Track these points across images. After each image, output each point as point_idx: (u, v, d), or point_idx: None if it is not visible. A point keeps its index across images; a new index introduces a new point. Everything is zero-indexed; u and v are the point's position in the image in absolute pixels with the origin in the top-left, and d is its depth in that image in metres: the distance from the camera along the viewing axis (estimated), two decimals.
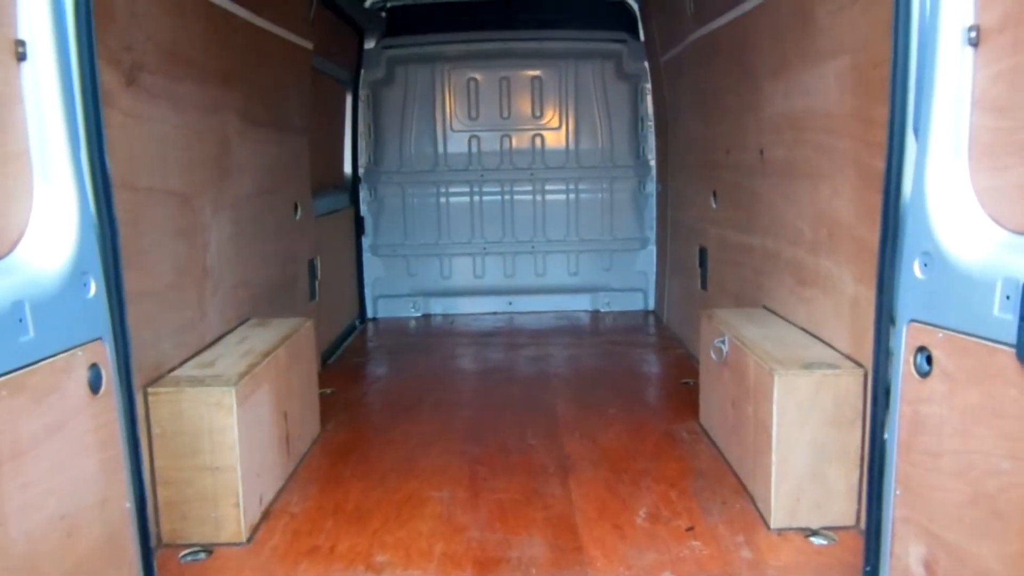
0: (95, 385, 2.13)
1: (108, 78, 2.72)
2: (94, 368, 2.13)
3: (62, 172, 2.08)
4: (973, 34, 2.02)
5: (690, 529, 3.08)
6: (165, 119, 3.23)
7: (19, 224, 1.98)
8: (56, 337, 1.99)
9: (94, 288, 2.15)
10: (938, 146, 2.10)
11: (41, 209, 2.03)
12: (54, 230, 2.04)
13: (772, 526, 3.06)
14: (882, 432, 2.33)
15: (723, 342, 3.69)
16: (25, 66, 2.00)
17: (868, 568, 2.43)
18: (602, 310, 7.28)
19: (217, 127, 3.80)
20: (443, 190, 7.24)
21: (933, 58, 2.09)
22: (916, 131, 2.17)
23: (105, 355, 2.19)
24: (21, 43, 1.98)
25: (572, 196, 7.28)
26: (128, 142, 2.88)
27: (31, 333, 1.88)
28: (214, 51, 3.73)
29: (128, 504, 2.29)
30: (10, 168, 1.97)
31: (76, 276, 2.07)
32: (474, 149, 7.20)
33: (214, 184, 3.74)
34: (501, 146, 7.20)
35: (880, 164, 2.29)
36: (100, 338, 2.17)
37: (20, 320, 1.86)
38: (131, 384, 2.31)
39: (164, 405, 2.96)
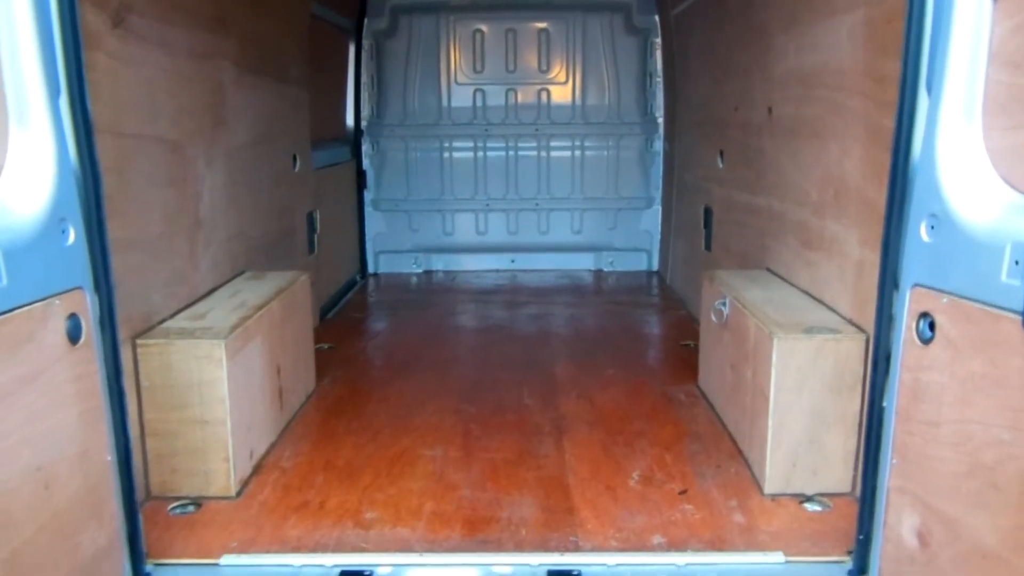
0: (74, 335, 2.08)
1: (93, 19, 2.63)
2: (73, 318, 2.08)
3: (39, 115, 2.01)
4: None
5: (683, 492, 3.04)
6: (155, 63, 3.14)
7: None
8: (31, 285, 1.93)
9: (73, 236, 2.09)
10: (951, 103, 2.00)
11: (16, 153, 1.96)
12: (30, 176, 1.98)
13: (766, 491, 3.02)
14: (881, 399, 2.27)
15: (724, 304, 3.62)
16: None
17: (861, 536, 2.39)
18: (605, 269, 7.21)
19: (210, 74, 3.70)
20: (447, 145, 7.13)
21: (950, 10, 1.99)
22: (929, 88, 2.07)
23: (85, 304, 2.13)
24: None
25: (578, 153, 7.16)
26: (114, 86, 2.80)
27: (4, 280, 1.82)
28: None
29: (110, 456, 2.26)
30: None
31: (53, 223, 2.01)
32: (479, 103, 7.07)
33: (207, 132, 3.66)
34: (506, 100, 7.07)
35: (891, 123, 2.20)
36: (80, 287, 2.12)
37: None
38: (115, 335, 2.26)
39: (153, 357, 2.92)
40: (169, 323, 3.13)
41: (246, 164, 4.16)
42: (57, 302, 2.03)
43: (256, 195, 4.32)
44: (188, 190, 3.45)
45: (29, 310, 1.93)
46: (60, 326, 2.04)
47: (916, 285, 2.11)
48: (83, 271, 2.14)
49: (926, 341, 2.08)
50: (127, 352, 2.81)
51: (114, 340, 2.26)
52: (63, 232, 2.06)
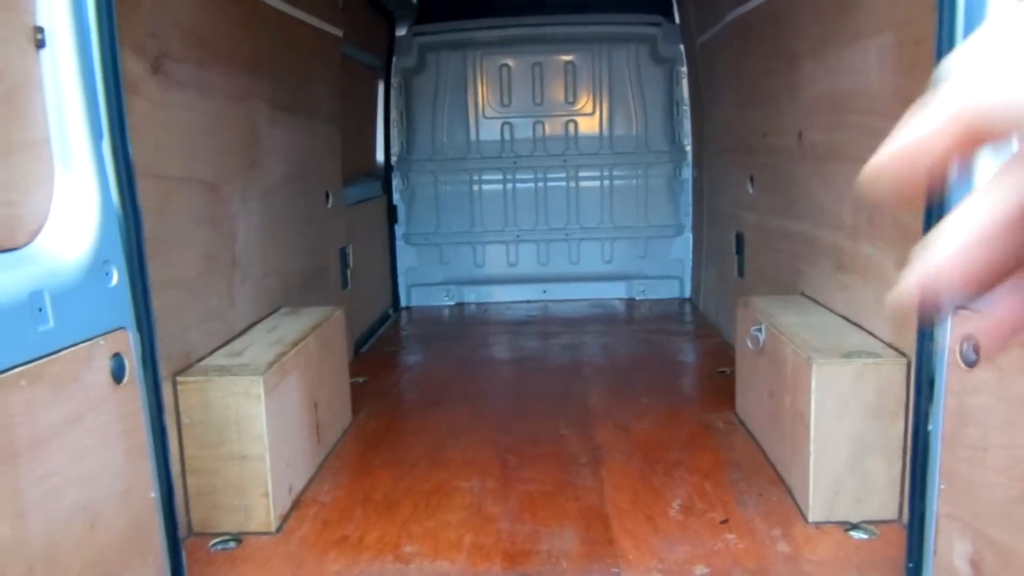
0: (118, 374, 2.12)
1: (133, 65, 2.70)
2: (117, 358, 2.12)
3: (83, 161, 2.06)
4: None
5: (724, 522, 3.00)
6: (192, 107, 3.21)
7: (39, 214, 1.97)
8: (77, 327, 1.97)
9: (116, 277, 2.13)
10: None
11: (61, 198, 2.02)
12: (75, 219, 2.03)
13: (810, 519, 2.97)
14: (926, 424, 2.23)
15: (760, 330, 3.60)
16: (44, 53, 1.98)
17: (911, 564, 2.34)
18: (637, 298, 7.18)
19: (245, 115, 3.78)
20: (475, 178, 7.19)
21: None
22: None
23: (128, 344, 2.17)
24: (40, 30, 1.96)
25: (606, 183, 7.18)
26: (154, 130, 2.87)
27: (51, 323, 1.87)
28: (242, 38, 3.71)
29: (153, 494, 2.28)
30: (29, 156, 1.95)
31: (97, 265, 2.06)
32: (507, 136, 7.13)
33: (242, 172, 3.73)
34: (534, 133, 7.12)
35: None
36: (123, 327, 2.16)
37: (40, 310, 1.85)
38: (157, 373, 2.30)
39: (192, 394, 2.95)
40: (208, 360, 3.16)
41: (280, 202, 4.23)
42: (102, 342, 2.07)
43: (290, 232, 4.38)
44: (225, 229, 3.51)
45: (75, 351, 1.97)
46: (105, 366, 2.08)
47: (958, 308, 2.08)
48: (126, 311, 2.18)
49: (970, 364, 2.05)
50: (167, 390, 2.85)
51: (156, 378, 2.29)
52: (107, 274, 2.11)
